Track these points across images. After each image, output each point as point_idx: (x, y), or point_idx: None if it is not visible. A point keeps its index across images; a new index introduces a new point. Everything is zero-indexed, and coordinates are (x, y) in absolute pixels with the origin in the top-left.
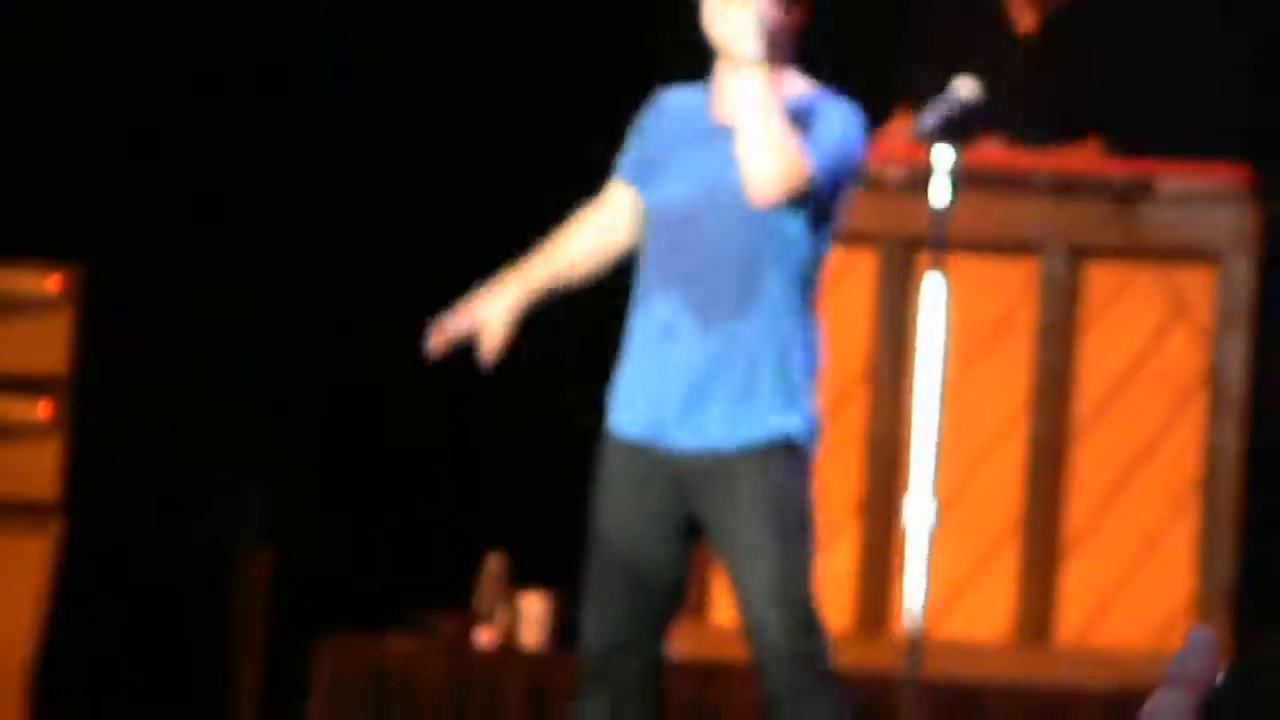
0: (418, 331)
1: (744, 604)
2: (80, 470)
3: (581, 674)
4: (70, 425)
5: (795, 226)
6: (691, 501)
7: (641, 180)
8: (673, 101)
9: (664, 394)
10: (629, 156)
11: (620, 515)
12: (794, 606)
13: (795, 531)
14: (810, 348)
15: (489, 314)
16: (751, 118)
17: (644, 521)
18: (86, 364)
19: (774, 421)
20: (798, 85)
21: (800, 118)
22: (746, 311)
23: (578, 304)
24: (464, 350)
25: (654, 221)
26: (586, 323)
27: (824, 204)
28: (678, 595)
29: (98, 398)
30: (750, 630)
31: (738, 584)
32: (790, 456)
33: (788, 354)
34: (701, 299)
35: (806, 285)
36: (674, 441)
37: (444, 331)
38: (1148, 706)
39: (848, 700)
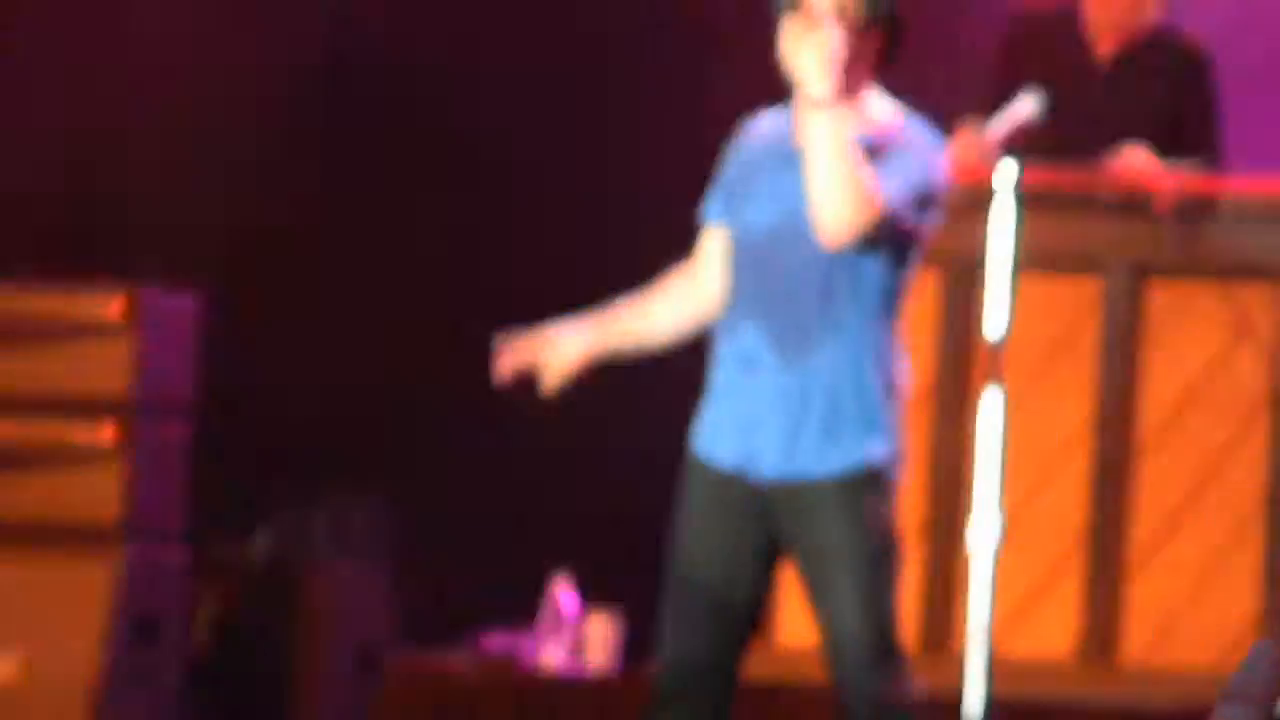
0: (484, 350)
1: (829, 628)
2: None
3: (658, 693)
4: (132, 448)
5: (872, 259)
6: (778, 529)
7: (730, 213)
8: (756, 128)
9: (750, 425)
10: (715, 198)
11: (706, 540)
12: (878, 632)
13: (881, 558)
14: (891, 377)
15: (560, 353)
16: (821, 159)
17: (730, 548)
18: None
19: (859, 451)
20: (879, 110)
21: (879, 147)
22: (825, 343)
23: None
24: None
25: (737, 249)
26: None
27: (903, 236)
28: (756, 620)
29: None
30: (833, 653)
31: (822, 608)
32: (875, 484)
33: (868, 385)
34: (781, 330)
35: (886, 315)
36: (762, 471)
37: (514, 356)
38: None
39: None
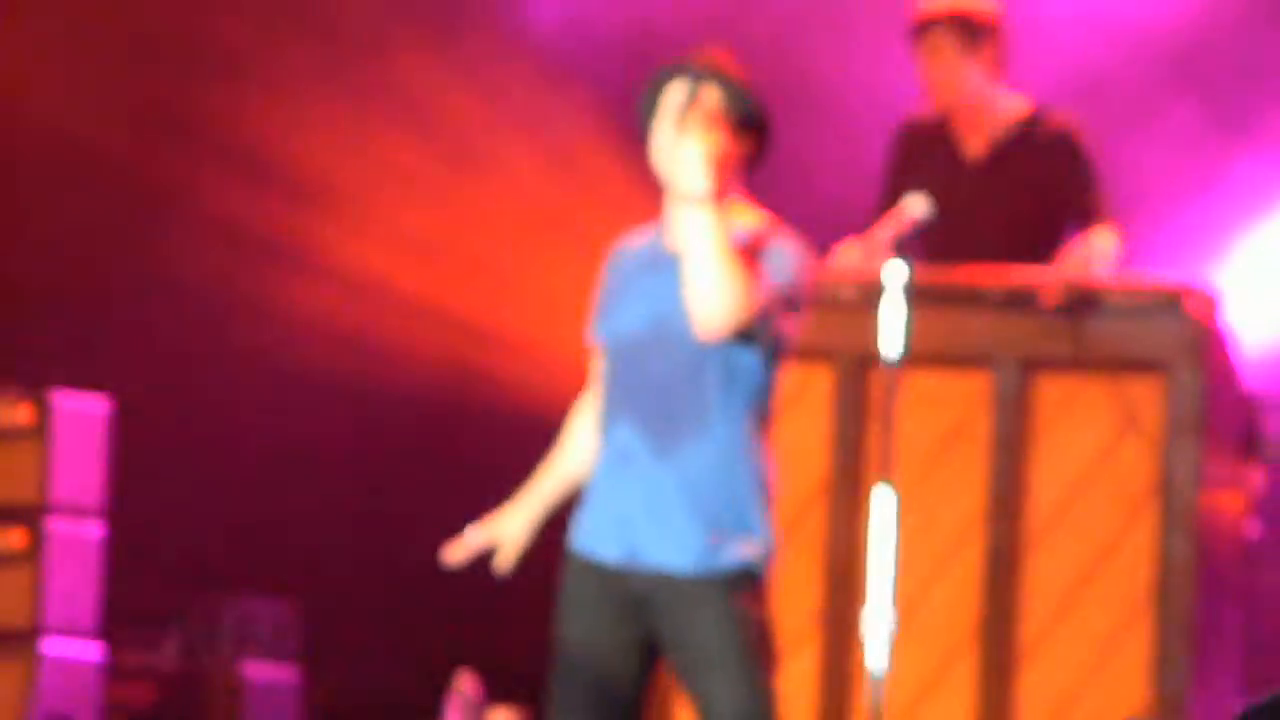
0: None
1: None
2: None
3: None
4: (43, 550)
5: (744, 357)
6: (653, 623)
7: (605, 325)
8: (627, 245)
9: (625, 520)
10: (596, 319)
11: (585, 633)
12: None
13: (754, 655)
14: (762, 474)
15: (507, 530)
16: (699, 253)
17: (609, 640)
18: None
19: (732, 550)
20: (745, 215)
21: (752, 248)
22: (697, 440)
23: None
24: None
25: (611, 354)
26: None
27: (773, 333)
28: (639, 709)
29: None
30: None
31: (700, 703)
32: (748, 582)
33: (738, 481)
34: (654, 428)
35: (756, 412)
36: (636, 566)
37: (466, 545)
38: None
39: None
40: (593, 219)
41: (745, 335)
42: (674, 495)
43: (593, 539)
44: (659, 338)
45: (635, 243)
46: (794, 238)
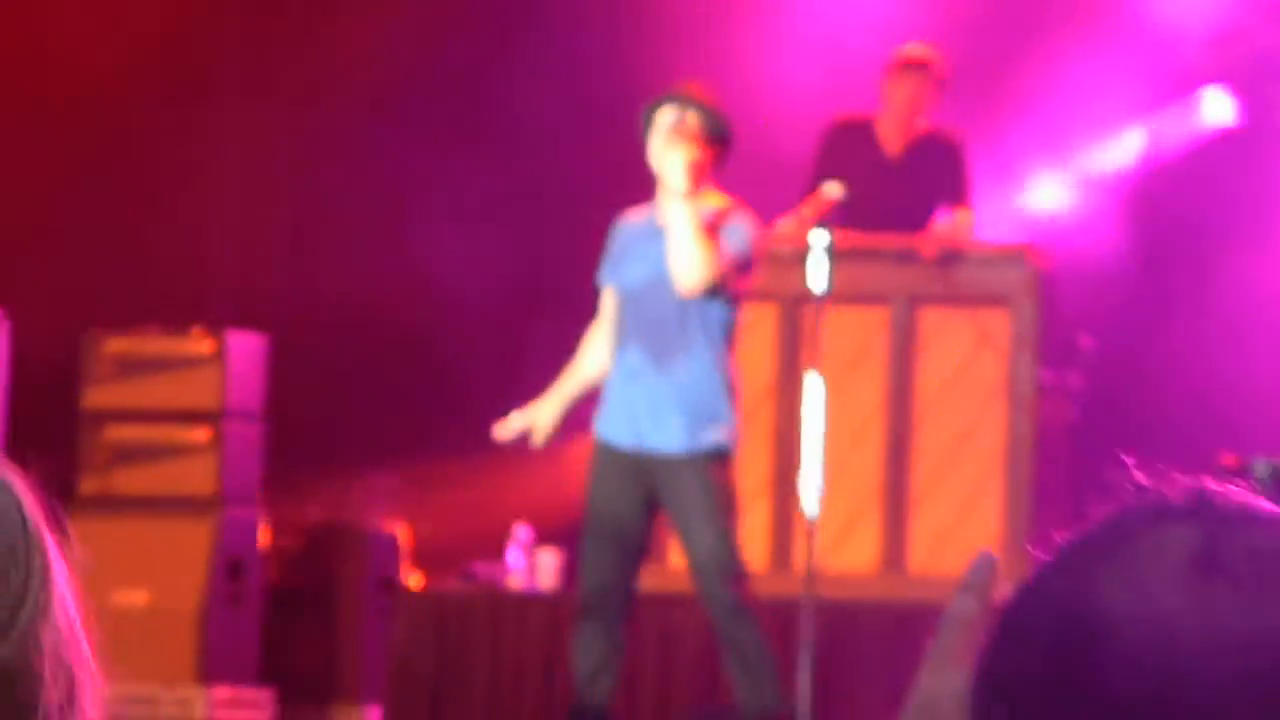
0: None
1: (691, 557)
2: (231, 473)
3: (582, 607)
4: (222, 443)
5: (713, 302)
6: (653, 488)
7: (614, 276)
8: (629, 217)
9: (633, 416)
10: (605, 268)
11: (606, 495)
12: (723, 563)
13: (723, 511)
14: (730, 381)
15: (540, 417)
16: (679, 234)
17: (625, 502)
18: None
19: (708, 435)
20: (714, 199)
21: (716, 224)
22: (684, 360)
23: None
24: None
25: (621, 297)
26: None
27: (734, 286)
28: (645, 551)
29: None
30: (695, 573)
31: (685, 543)
32: (720, 458)
33: (715, 387)
34: (654, 351)
35: (725, 341)
36: (641, 448)
37: (508, 428)
38: (949, 607)
39: (759, 621)
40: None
41: (712, 290)
42: (668, 398)
43: (611, 430)
44: (655, 289)
45: (634, 217)
46: (748, 215)
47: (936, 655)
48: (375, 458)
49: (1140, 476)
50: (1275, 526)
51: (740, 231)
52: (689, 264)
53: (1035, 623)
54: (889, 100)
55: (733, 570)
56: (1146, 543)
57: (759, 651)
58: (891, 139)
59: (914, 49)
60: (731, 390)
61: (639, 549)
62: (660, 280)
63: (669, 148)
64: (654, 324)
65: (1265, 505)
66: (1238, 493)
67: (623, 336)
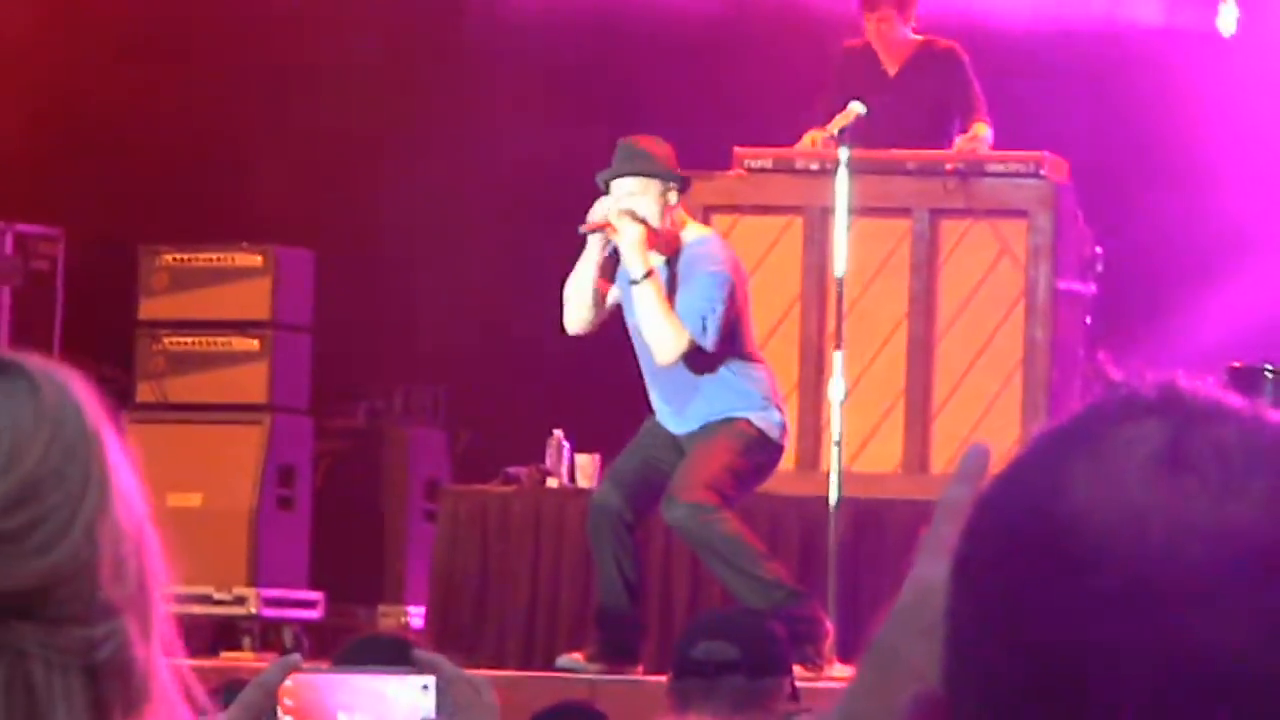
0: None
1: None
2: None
3: (605, 482)
4: (273, 352)
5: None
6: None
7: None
8: None
9: (665, 412)
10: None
11: (648, 436)
12: (687, 482)
13: (716, 471)
14: (744, 374)
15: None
16: (646, 318)
17: (657, 447)
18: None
19: (722, 413)
20: (691, 233)
21: (689, 265)
22: (699, 390)
23: None
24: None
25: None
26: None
27: (720, 326)
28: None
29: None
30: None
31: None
32: (730, 426)
33: (725, 382)
34: (668, 387)
35: (736, 342)
36: (678, 431)
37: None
38: (942, 497)
39: (726, 520)
40: None
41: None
42: (691, 395)
43: (658, 415)
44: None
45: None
46: (720, 251)
47: (929, 544)
48: (421, 367)
49: (1113, 372)
50: (1242, 421)
51: (707, 274)
52: (662, 343)
53: (1005, 515)
54: (866, 31)
55: (694, 486)
56: (1116, 437)
57: (733, 547)
58: (888, 59)
59: None
60: (751, 379)
61: (657, 485)
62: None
63: (614, 236)
64: (650, 360)
65: (1233, 400)
66: (1206, 388)
67: (646, 373)
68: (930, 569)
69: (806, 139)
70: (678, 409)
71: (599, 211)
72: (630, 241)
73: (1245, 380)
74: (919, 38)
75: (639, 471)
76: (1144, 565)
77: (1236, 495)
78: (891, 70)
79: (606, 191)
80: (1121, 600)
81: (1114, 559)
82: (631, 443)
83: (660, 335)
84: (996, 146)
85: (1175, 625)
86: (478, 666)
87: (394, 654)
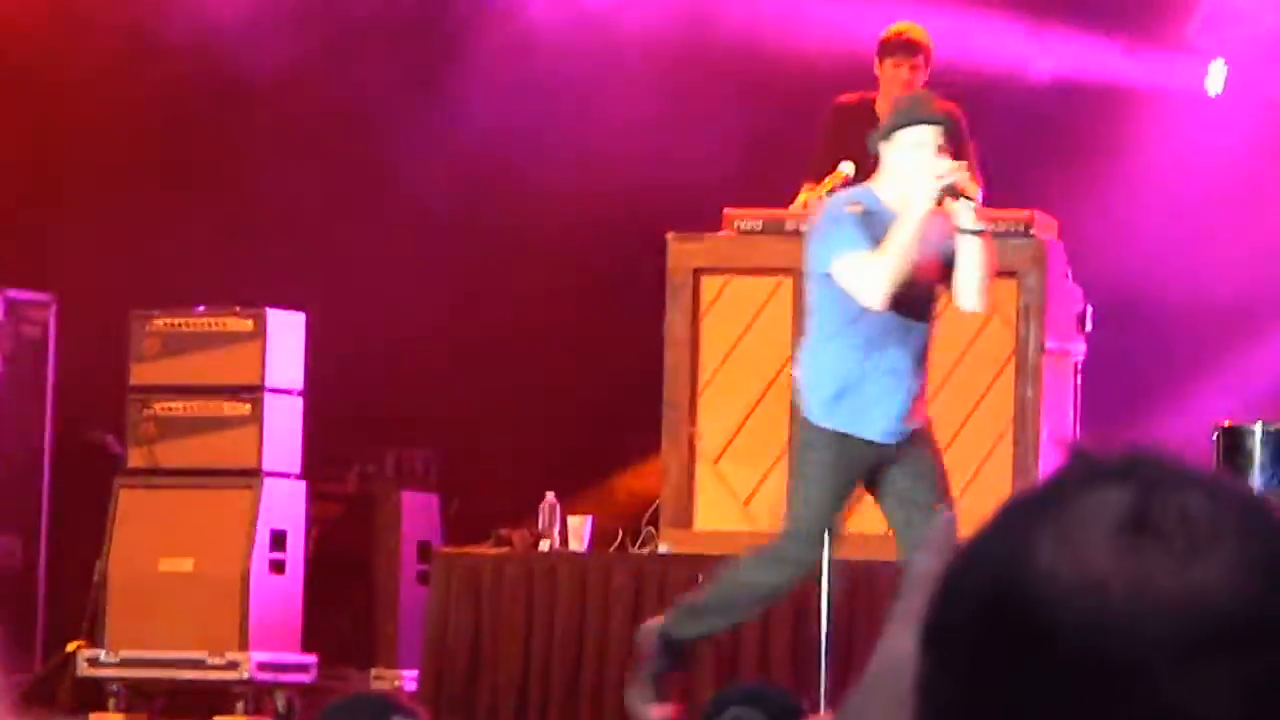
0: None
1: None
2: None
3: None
4: (264, 416)
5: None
6: None
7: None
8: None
9: (890, 403)
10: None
11: (848, 473)
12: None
13: (794, 467)
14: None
15: None
16: (982, 271)
17: (858, 473)
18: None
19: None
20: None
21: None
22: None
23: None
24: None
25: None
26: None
27: None
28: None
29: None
30: None
31: None
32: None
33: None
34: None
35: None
36: (889, 431)
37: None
38: (912, 567)
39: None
40: None
41: None
42: (920, 390)
43: (873, 417)
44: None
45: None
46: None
47: (899, 614)
48: (414, 431)
49: (1080, 438)
50: (1207, 489)
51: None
52: (984, 292)
53: (971, 584)
54: (883, 80)
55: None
56: (1081, 504)
57: (716, 588)
58: (884, 112)
59: (905, 28)
60: (813, 375)
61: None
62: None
63: (928, 180)
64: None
65: (1198, 467)
66: (1171, 455)
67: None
68: (900, 639)
69: (800, 199)
70: (909, 402)
71: (946, 167)
72: (975, 196)
73: (1234, 440)
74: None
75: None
76: (1109, 633)
77: (1202, 562)
78: None
79: (896, 132)
80: (1086, 668)
81: (1078, 627)
82: (822, 486)
83: (987, 288)
84: (988, 205)
85: (1141, 693)
86: None
87: (375, 713)
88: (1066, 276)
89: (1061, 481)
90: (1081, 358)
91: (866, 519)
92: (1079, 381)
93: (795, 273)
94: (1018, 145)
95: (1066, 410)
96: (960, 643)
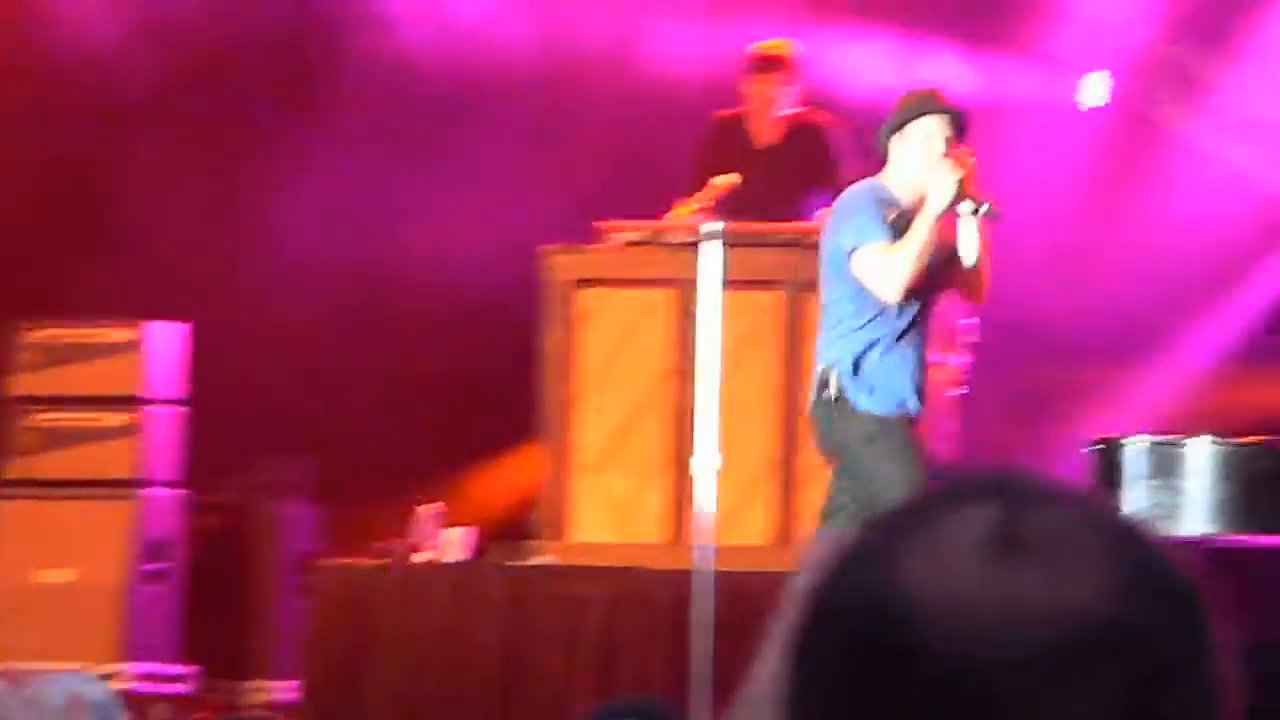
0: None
1: None
2: (151, 457)
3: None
4: (143, 428)
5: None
6: None
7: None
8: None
9: (919, 378)
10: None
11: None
12: None
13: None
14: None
15: None
16: (979, 253)
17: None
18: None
19: None
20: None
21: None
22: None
23: None
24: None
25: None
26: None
27: None
28: None
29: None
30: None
31: None
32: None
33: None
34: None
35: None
36: (918, 405)
37: None
38: (792, 585)
39: None
40: None
41: None
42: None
43: (912, 397)
44: None
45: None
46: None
47: (778, 631)
48: (290, 441)
49: (952, 457)
50: (1071, 506)
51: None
52: (986, 285)
53: (839, 601)
54: (750, 96)
55: None
56: (948, 522)
57: None
58: (761, 131)
59: (770, 45)
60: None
61: None
62: None
63: (946, 174)
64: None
65: (1063, 485)
66: (1036, 473)
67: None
68: (776, 659)
69: (674, 212)
70: (924, 375)
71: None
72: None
73: (1109, 453)
74: (797, 110)
75: None
76: (978, 649)
77: (1068, 578)
78: (764, 142)
79: (907, 123)
80: (954, 684)
81: (945, 643)
82: (909, 467)
83: (988, 281)
84: None
85: (1012, 709)
86: None
87: None
88: None
89: (928, 499)
90: (963, 369)
91: (748, 530)
92: (962, 394)
93: (674, 283)
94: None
95: (948, 423)
96: (827, 661)
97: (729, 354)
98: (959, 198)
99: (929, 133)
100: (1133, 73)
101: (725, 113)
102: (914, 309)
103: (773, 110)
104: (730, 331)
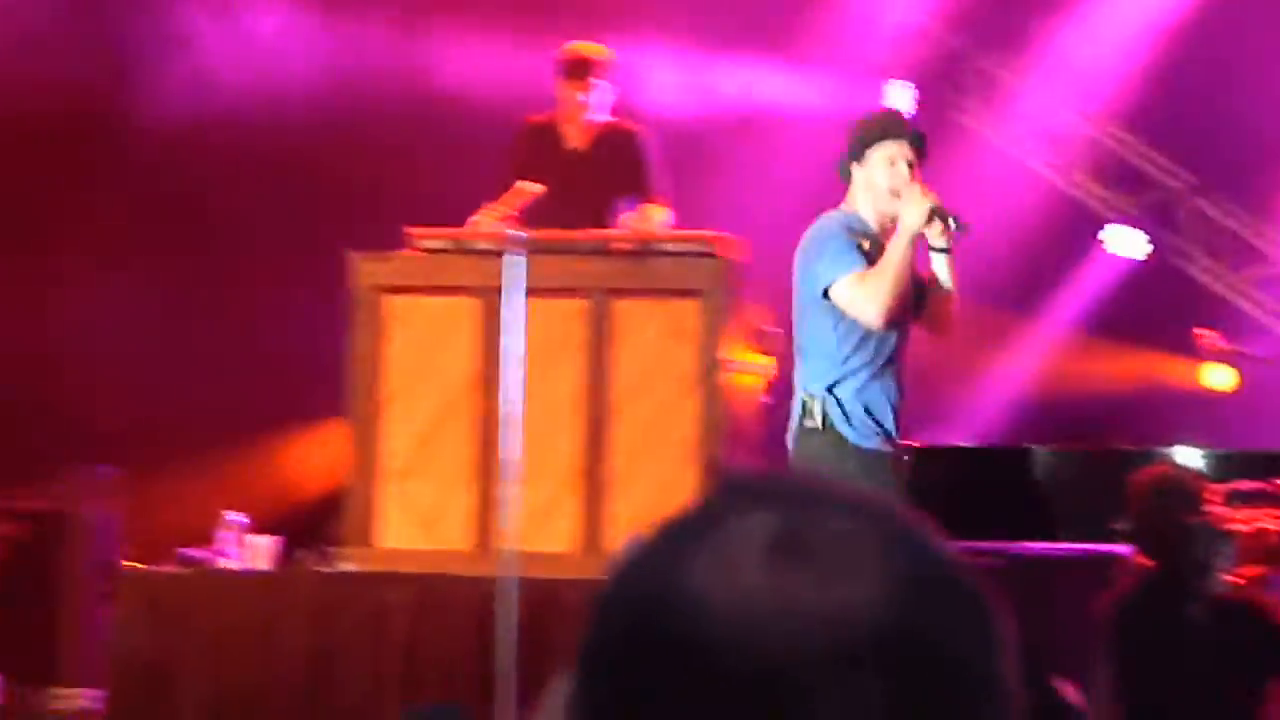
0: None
1: None
2: None
3: None
4: None
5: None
6: None
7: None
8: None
9: (891, 415)
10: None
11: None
12: None
13: None
14: (828, 394)
15: None
16: (951, 284)
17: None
18: None
19: None
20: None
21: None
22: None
23: None
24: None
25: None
26: None
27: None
28: None
29: None
30: None
31: None
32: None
33: None
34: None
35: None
36: (886, 440)
37: None
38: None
39: None
40: None
41: None
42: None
43: (882, 434)
44: None
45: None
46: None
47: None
48: (94, 452)
49: (734, 463)
50: (849, 510)
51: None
52: (953, 310)
53: (625, 607)
54: (561, 99)
55: None
56: (731, 526)
57: None
58: (572, 135)
59: (577, 47)
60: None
61: None
62: None
63: (916, 196)
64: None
65: (842, 489)
66: (817, 477)
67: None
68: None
69: (478, 216)
70: (904, 404)
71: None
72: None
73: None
74: (608, 119)
75: None
76: (760, 651)
77: (847, 581)
78: (574, 147)
79: (867, 148)
80: (738, 683)
81: (729, 644)
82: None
83: (955, 305)
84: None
85: (791, 709)
86: None
87: None
88: (746, 296)
89: (711, 504)
90: (770, 376)
91: (553, 537)
92: (768, 401)
93: (480, 291)
94: (695, 168)
95: (754, 429)
96: (611, 662)
97: (534, 361)
98: (931, 217)
99: (889, 156)
100: (935, 80)
101: (538, 116)
102: (892, 339)
103: (583, 114)
104: (535, 339)
